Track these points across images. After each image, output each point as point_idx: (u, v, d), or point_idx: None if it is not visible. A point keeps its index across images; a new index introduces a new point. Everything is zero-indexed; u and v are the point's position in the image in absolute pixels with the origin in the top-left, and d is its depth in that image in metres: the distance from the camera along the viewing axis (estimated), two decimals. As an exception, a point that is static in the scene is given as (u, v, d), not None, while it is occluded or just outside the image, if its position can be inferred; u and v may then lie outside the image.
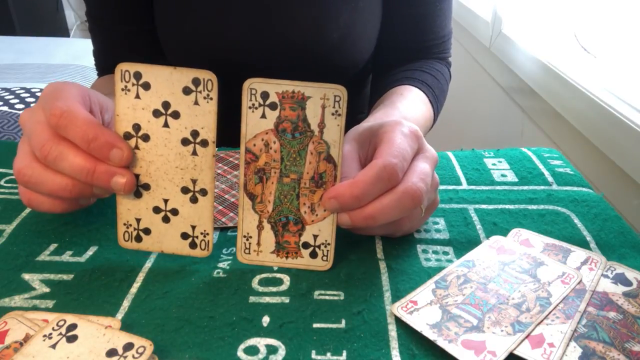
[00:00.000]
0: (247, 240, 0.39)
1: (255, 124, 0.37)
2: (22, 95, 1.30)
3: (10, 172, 0.53)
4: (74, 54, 1.70)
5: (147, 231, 0.39)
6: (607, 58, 0.92)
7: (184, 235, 0.39)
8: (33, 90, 1.34)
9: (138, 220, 0.39)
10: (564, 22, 1.08)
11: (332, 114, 0.37)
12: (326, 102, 0.37)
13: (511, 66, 1.19)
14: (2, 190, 0.50)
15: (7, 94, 1.29)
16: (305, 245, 0.39)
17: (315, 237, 0.39)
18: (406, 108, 0.56)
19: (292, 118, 0.37)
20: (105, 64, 0.70)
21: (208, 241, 0.39)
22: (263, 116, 0.37)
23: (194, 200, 0.39)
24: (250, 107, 0.37)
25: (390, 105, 0.56)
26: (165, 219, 0.39)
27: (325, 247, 0.39)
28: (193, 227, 0.39)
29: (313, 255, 0.40)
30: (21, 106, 1.24)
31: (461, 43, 1.65)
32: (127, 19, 0.65)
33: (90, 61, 0.73)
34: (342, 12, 0.62)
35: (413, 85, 0.63)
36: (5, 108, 1.21)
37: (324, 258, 0.40)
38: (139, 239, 0.40)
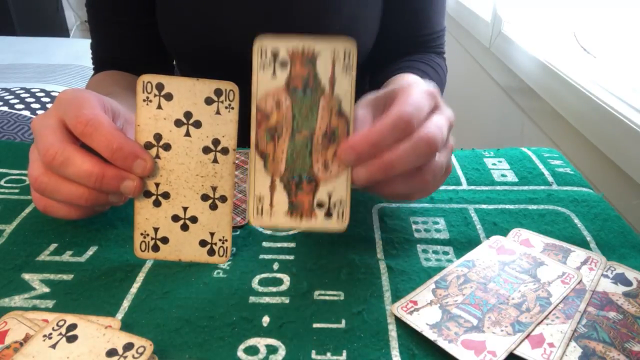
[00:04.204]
0: (260, 201, 0.37)
1: (266, 83, 0.37)
2: (22, 95, 1.30)
3: (11, 172, 0.53)
4: (74, 54, 1.70)
5: (165, 240, 0.40)
6: (607, 58, 0.92)
7: (203, 243, 0.40)
8: (33, 90, 1.34)
9: (156, 230, 0.39)
10: (564, 22, 1.08)
11: (343, 68, 0.36)
12: (336, 56, 0.36)
13: (511, 66, 1.19)
14: (2, 190, 0.50)
15: (7, 94, 1.29)
16: (320, 204, 0.38)
17: (329, 195, 0.38)
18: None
19: (303, 75, 0.36)
20: (102, 57, 0.70)
21: (227, 247, 0.40)
22: (274, 74, 0.37)
23: (213, 207, 0.39)
24: (261, 67, 0.36)
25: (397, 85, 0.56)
26: (184, 227, 0.39)
27: (341, 204, 0.38)
28: (212, 234, 0.40)
29: (328, 214, 0.38)
30: (21, 106, 1.24)
31: (461, 43, 1.65)
32: (127, 9, 0.65)
33: (90, 61, 0.73)
34: (345, 5, 0.62)
35: (414, 73, 0.64)
36: (5, 108, 1.21)
37: (340, 218, 0.38)
38: (156, 248, 0.40)
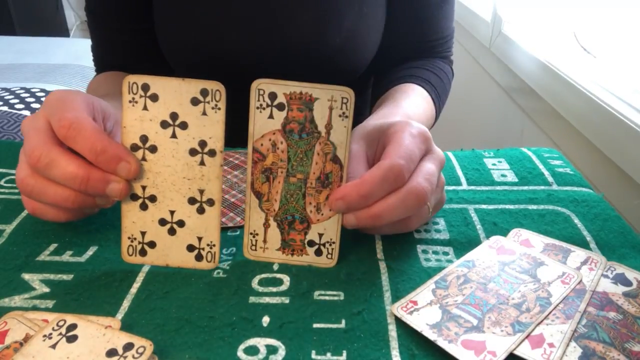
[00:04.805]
0: (254, 237, 0.40)
1: (263, 124, 0.37)
2: (22, 95, 1.30)
3: (11, 172, 0.53)
4: (74, 54, 1.70)
5: (152, 244, 0.39)
6: (607, 58, 0.92)
7: (190, 248, 0.39)
8: (33, 90, 1.34)
9: (143, 234, 0.39)
10: (564, 22, 1.08)
11: (339, 116, 0.37)
12: (333, 103, 0.37)
13: (511, 66, 1.19)
14: (2, 190, 0.50)
15: (7, 94, 1.29)
16: (311, 243, 0.40)
17: (320, 235, 0.40)
18: (409, 106, 0.56)
19: (300, 119, 0.37)
20: (102, 60, 0.70)
21: (215, 253, 0.39)
22: (271, 116, 0.37)
23: (200, 210, 0.39)
24: (258, 108, 0.37)
25: (394, 103, 0.56)
26: (171, 231, 0.39)
27: (330, 245, 0.40)
28: (199, 239, 0.39)
29: (318, 253, 0.40)
30: (21, 106, 1.24)
31: (461, 43, 1.65)
32: (125, 16, 0.65)
33: (90, 61, 0.73)
34: (345, 17, 0.61)
35: (416, 83, 0.63)
36: (5, 108, 1.21)
37: (329, 256, 0.40)
38: (143, 252, 0.39)
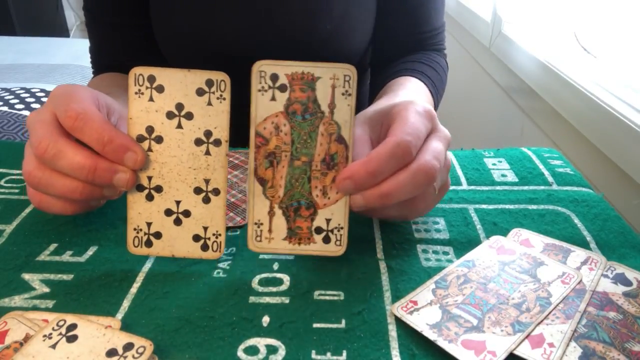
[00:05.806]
0: (259, 227, 0.39)
1: (265, 107, 0.37)
2: (22, 95, 1.30)
3: (11, 172, 0.53)
4: (74, 54, 1.70)
5: (158, 235, 0.39)
6: (607, 58, 0.92)
7: (196, 238, 0.39)
8: (33, 90, 1.34)
9: (149, 224, 0.39)
10: (564, 22, 1.08)
11: (343, 94, 0.37)
12: (336, 82, 0.36)
13: (511, 66, 1.19)
14: (2, 190, 0.50)
15: (7, 94, 1.29)
16: (318, 230, 0.38)
17: (327, 221, 0.38)
18: (407, 96, 0.56)
19: (302, 99, 0.37)
20: (101, 60, 0.70)
21: (220, 242, 0.39)
22: (273, 99, 0.37)
23: (206, 200, 0.39)
24: (260, 90, 0.37)
25: (392, 94, 0.56)
26: (177, 221, 0.39)
27: (339, 231, 0.39)
28: (205, 229, 0.39)
29: (326, 240, 0.39)
30: (21, 106, 1.24)
31: (461, 43, 1.65)
32: (123, 11, 0.66)
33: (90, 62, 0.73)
34: (335, 4, 0.62)
35: (412, 76, 0.64)
36: (5, 108, 1.21)
37: (338, 243, 0.39)
38: (149, 243, 0.39)
